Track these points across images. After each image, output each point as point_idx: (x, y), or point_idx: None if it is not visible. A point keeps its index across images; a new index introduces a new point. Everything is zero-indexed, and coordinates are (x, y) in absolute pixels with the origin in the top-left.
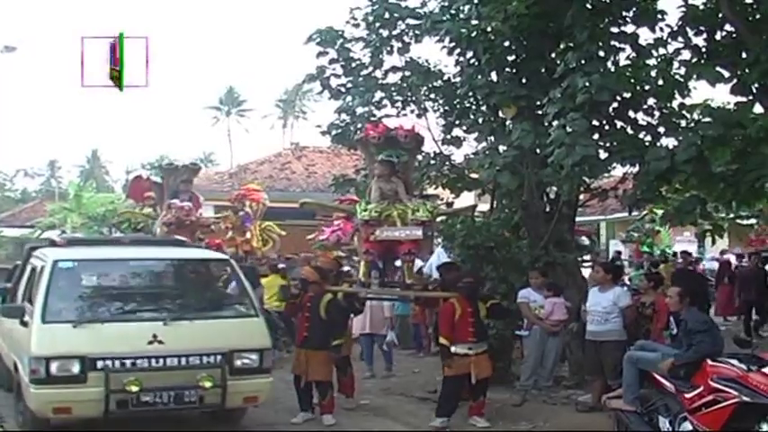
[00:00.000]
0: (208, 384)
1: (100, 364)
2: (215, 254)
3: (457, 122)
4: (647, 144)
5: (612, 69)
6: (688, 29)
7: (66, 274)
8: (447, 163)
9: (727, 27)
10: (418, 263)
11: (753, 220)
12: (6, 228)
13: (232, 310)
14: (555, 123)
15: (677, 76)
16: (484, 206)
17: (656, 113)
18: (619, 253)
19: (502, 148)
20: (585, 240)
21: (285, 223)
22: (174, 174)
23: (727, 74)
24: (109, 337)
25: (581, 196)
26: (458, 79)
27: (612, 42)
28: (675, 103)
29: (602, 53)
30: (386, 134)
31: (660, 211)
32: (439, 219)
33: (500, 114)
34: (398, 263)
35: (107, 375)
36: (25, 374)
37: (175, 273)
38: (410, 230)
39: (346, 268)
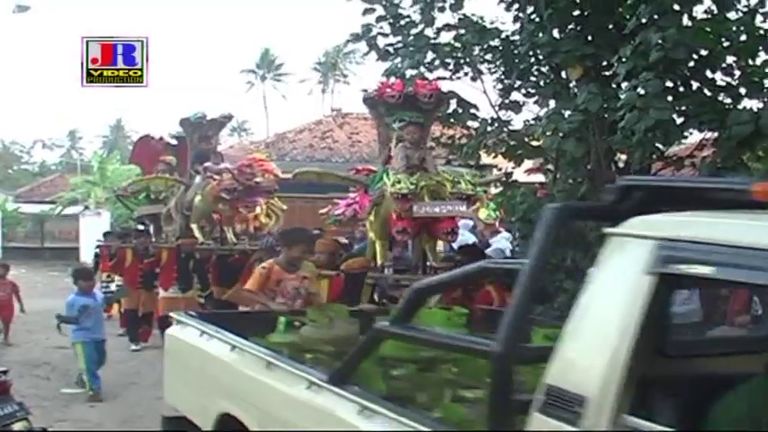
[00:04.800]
0: None
1: None
2: None
3: (516, 85)
4: (727, 107)
5: (689, 24)
6: None
7: None
8: (505, 130)
9: None
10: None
11: None
12: (25, 203)
13: None
14: (625, 85)
15: (762, 31)
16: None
17: (737, 73)
18: None
19: (566, 112)
20: None
21: (327, 197)
22: (199, 130)
23: None
24: None
25: (653, 165)
26: (517, 37)
27: None
28: (759, 61)
29: (677, 6)
30: (404, 92)
31: None
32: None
33: (564, 76)
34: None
35: None
36: None
37: None
38: (453, 206)
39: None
